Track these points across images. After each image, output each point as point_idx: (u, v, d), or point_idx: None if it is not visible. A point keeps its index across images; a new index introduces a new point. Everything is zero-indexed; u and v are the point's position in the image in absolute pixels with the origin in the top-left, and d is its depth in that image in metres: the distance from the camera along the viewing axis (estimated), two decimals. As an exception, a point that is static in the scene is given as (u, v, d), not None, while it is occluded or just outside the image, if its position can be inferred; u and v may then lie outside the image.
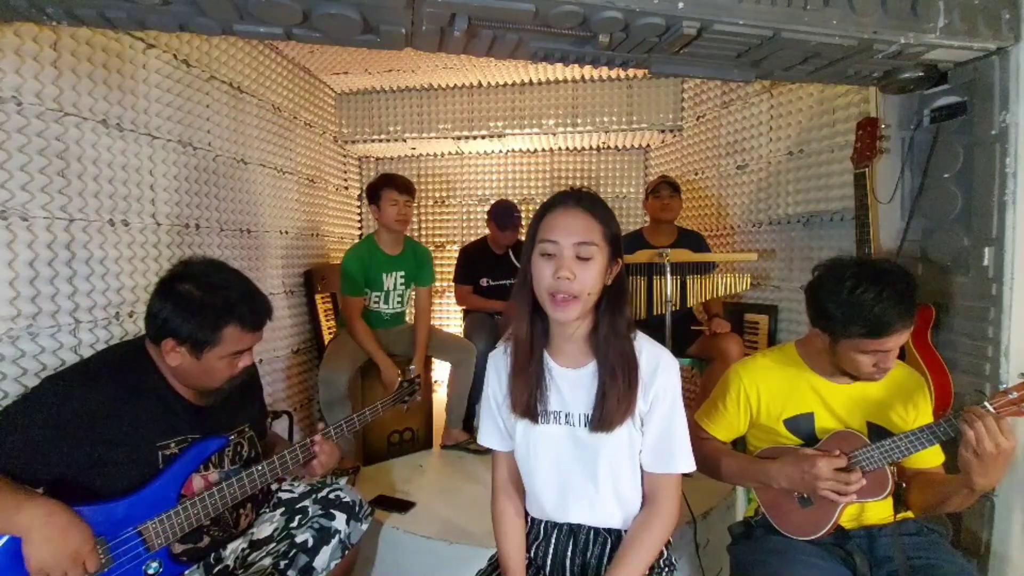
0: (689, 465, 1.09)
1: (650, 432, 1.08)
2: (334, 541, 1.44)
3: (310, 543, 1.42)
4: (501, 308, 3.01)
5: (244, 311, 1.23)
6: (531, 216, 1.09)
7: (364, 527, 1.53)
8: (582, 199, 1.04)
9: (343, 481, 1.59)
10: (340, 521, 1.46)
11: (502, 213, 3.00)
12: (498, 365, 1.16)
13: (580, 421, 1.08)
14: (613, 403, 1.03)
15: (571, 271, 0.98)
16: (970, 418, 1.09)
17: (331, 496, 1.50)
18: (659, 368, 1.07)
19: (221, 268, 1.28)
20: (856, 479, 1.18)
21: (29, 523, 1.02)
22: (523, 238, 2.92)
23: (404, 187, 2.55)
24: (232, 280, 1.26)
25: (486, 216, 3.10)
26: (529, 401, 1.08)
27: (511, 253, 3.10)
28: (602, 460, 1.06)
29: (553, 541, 1.15)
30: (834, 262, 1.27)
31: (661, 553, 1.14)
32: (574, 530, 1.14)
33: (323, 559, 1.42)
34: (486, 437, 1.20)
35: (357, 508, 1.51)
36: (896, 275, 1.19)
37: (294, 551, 1.41)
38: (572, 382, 1.09)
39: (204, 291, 1.20)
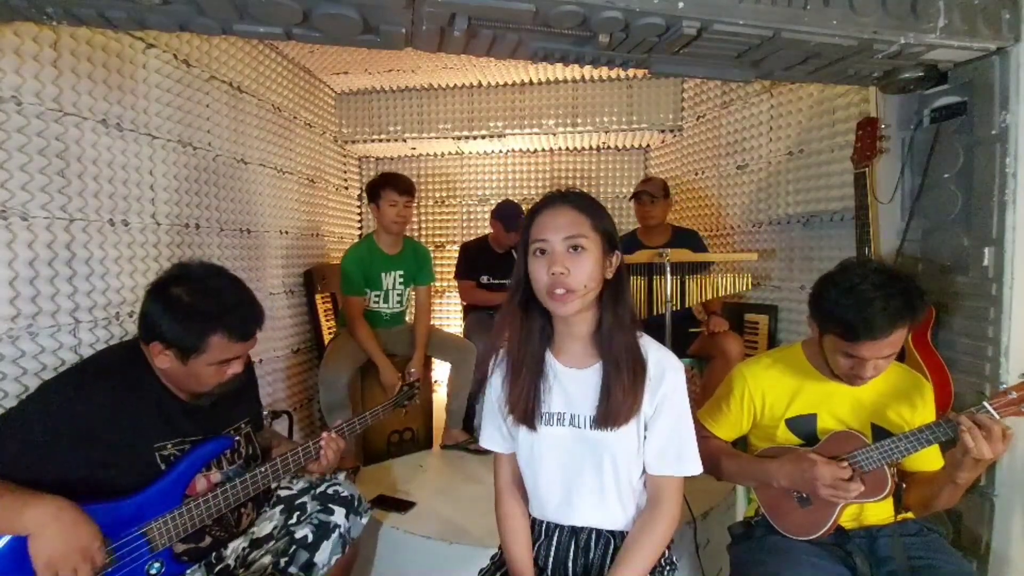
0: (697, 468, 1.09)
1: (657, 434, 1.07)
2: (334, 536, 1.43)
3: (310, 538, 1.42)
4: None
5: (231, 320, 1.19)
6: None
7: (364, 521, 1.53)
8: (568, 197, 1.06)
9: (341, 476, 1.58)
10: (339, 516, 1.46)
11: (509, 215, 2.95)
12: (501, 368, 1.15)
13: (585, 423, 1.07)
14: (618, 397, 1.03)
15: (564, 266, 0.99)
16: (969, 424, 1.09)
17: (329, 491, 1.50)
18: (666, 371, 1.08)
19: (216, 274, 1.25)
20: (856, 488, 1.18)
21: (39, 519, 1.01)
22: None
23: (404, 188, 2.53)
24: (224, 287, 1.23)
25: (489, 217, 3.09)
26: (525, 409, 1.07)
27: (513, 252, 3.09)
28: (607, 461, 1.06)
29: (555, 542, 1.14)
30: (862, 260, 1.26)
31: (663, 553, 1.14)
32: (576, 531, 1.13)
33: (324, 554, 1.41)
34: (488, 440, 1.19)
35: (356, 502, 1.51)
36: (899, 288, 1.14)
37: (294, 547, 1.41)
38: (577, 382, 1.08)
39: (193, 297, 1.17)
